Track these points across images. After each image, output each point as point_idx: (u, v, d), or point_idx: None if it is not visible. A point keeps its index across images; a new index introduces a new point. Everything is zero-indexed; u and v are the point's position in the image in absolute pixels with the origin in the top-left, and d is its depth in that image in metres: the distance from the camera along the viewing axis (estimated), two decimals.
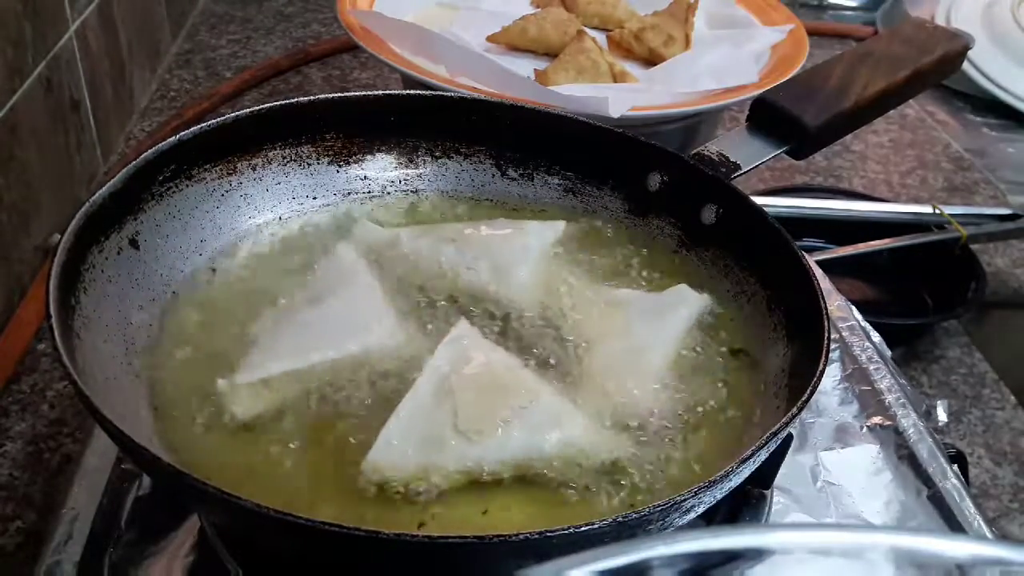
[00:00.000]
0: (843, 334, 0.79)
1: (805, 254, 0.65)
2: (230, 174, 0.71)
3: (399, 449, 0.55)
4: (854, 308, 0.83)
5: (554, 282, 0.69)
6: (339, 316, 0.64)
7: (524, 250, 0.71)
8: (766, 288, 0.67)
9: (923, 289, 1.07)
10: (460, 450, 0.55)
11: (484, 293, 0.67)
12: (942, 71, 0.85)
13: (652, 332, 0.65)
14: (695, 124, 1.03)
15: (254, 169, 0.72)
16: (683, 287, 0.68)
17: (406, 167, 0.78)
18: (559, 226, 0.75)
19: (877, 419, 0.71)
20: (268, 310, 0.65)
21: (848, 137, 1.27)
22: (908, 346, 0.99)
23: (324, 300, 0.65)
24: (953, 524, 0.64)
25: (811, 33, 1.14)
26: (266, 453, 0.56)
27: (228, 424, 0.57)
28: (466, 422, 0.56)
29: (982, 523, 0.64)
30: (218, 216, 0.70)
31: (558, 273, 0.70)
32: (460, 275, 0.68)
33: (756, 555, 0.39)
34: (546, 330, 0.65)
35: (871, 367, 0.76)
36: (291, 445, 0.56)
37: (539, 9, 1.15)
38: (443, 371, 0.59)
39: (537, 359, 0.63)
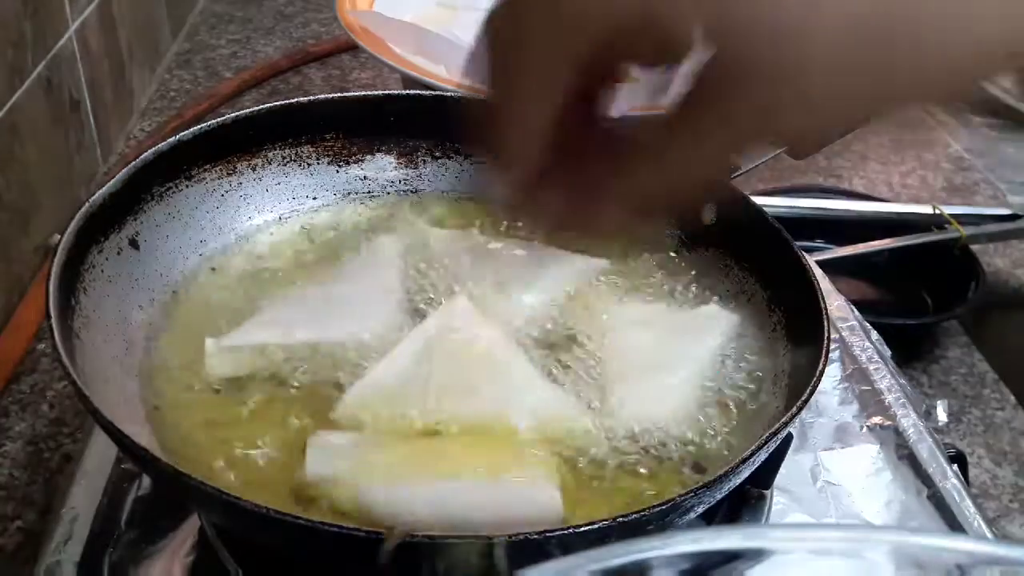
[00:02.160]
0: (843, 334, 0.79)
1: (805, 254, 0.65)
2: (230, 174, 0.71)
3: (371, 401, 0.57)
4: (854, 308, 0.83)
5: (565, 306, 0.68)
6: (342, 301, 0.65)
7: (539, 278, 0.69)
8: (766, 288, 0.67)
9: (923, 289, 1.07)
10: (426, 409, 0.57)
11: (483, 312, 0.66)
12: None
13: (679, 350, 0.64)
14: None
15: (254, 169, 0.72)
16: (714, 307, 0.67)
17: (406, 167, 0.78)
18: (597, 263, 0.71)
19: (877, 419, 0.71)
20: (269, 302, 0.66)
21: (848, 137, 1.27)
22: (908, 346, 0.98)
23: (336, 284, 0.67)
24: (953, 524, 0.64)
25: None
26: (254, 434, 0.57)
27: (226, 416, 0.58)
28: (438, 385, 0.58)
29: (982, 523, 0.64)
30: (218, 216, 0.70)
31: (572, 302, 0.68)
32: (467, 286, 0.68)
33: (756, 555, 0.39)
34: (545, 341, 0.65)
35: (871, 367, 0.76)
36: (262, 412, 0.58)
37: None
38: (429, 335, 0.61)
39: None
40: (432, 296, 0.67)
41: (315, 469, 0.54)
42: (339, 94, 0.75)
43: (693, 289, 0.70)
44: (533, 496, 0.53)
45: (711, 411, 0.61)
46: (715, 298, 0.69)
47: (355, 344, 0.62)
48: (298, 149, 0.74)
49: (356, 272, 0.69)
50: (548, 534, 0.45)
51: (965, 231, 1.07)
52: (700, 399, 0.62)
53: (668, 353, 0.64)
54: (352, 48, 1.45)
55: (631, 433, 0.58)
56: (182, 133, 0.67)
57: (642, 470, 0.57)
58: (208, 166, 0.70)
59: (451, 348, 0.61)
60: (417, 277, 0.69)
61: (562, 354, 0.64)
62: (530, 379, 0.61)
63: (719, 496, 0.51)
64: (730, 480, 0.50)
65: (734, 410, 0.61)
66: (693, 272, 0.72)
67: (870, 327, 0.81)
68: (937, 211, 1.09)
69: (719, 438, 0.59)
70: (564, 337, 0.65)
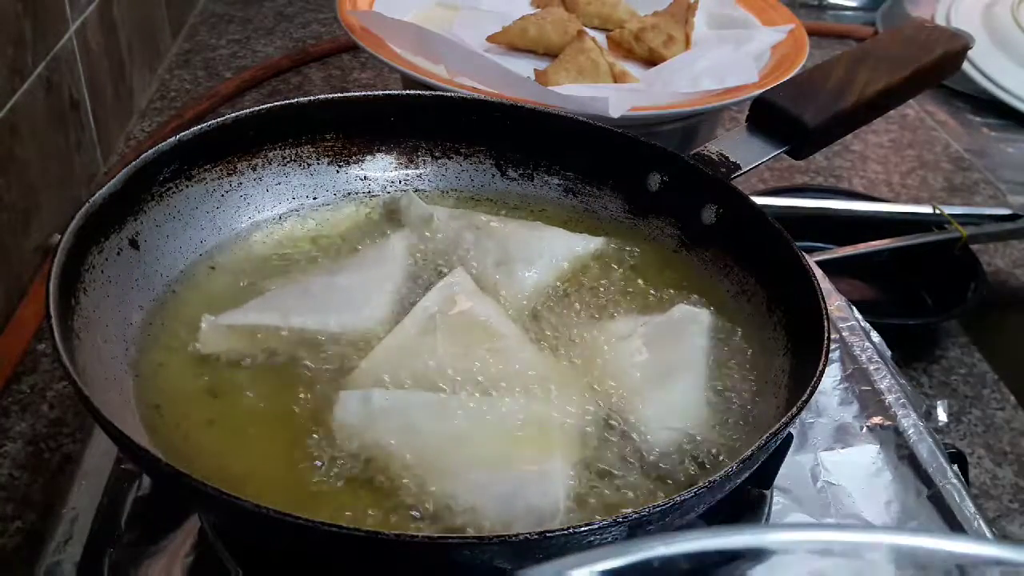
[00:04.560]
0: (843, 334, 0.79)
1: (805, 254, 0.65)
2: (230, 174, 0.71)
3: (382, 371, 0.59)
4: (854, 308, 0.83)
5: (557, 293, 0.69)
6: (343, 291, 0.66)
7: (539, 255, 0.71)
8: (766, 288, 0.67)
9: (923, 289, 1.07)
10: (436, 379, 0.59)
11: (483, 287, 0.68)
12: (942, 71, 0.85)
13: (676, 358, 0.64)
14: (695, 124, 1.03)
15: (254, 169, 0.72)
16: (684, 307, 0.68)
17: (406, 167, 0.78)
18: (594, 241, 0.74)
19: (877, 419, 0.71)
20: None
21: (848, 137, 1.28)
22: (908, 346, 0.98)
23: (339, 275, 0.68)
24: (953, 524, 0.64)
25: (811, 33, 1.14)
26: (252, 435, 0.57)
27: (226, 414, 0.58)
28: (444, 355, 0.60)
29: (982, 523, 0.64)
30: (218, 216, 0.70)
31: (566, 287, 0.70)
32: (467, 264, 0.69)
33: (756, 555, 0.39)
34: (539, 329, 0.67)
35: (871, 367, 0.76)
36: (262, 410, 0.58)
37: (539, 9, 1.15)
38: (431, 311, 0.63)
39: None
40: (436, 273, 0.69)
41: (344, 418, 0.56)
42: (339, 94, 0.75)
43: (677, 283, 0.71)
44: (539, 488, 0.54)
45: (716, 412, 0.61)
46: (693, 296, 0.69)
47: (352, 332, 0.63)
48: (298, 149, 0.74)
49: (360, 264, 0.70)
50: (548, 534, 0.45)
51: (965, 231, 1.07)
52: (708, 401, 0.62)
53: (667, 364, 0.64)
54: (352, 48, 1.45)
55: (662, 448, 0.58)
56: (182, 133, 0.67)
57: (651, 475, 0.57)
58: (208, 166, 0.70)
59: (453, 321, 0.62)
60: (421, 255, 0.70)
61: (555, 329, 0.65)
62: (527, 352, 0.62)
63: (719, 496, 0.51)
64: (730, 480, 0.50)
65: (736, 410, 0.62)
66: (692, 271, 0.72)
67: (870, 327, 0.81)
68: (937, 211, 1.09)
69: (721, 439, 0.59)
70: (558, 315, 0.67)
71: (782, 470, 0.62)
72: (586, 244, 0.73)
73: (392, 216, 0.75)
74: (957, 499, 0.66)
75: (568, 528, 0.45)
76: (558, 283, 0.70)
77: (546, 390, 0.60)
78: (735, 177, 0.72)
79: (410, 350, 0.61)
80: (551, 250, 0.71)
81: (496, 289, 0.68)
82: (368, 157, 0.77)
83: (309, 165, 0.75)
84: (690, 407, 0.61)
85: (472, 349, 0.61)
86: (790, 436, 0.63)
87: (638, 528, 0.47)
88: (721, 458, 0.58)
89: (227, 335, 0.62)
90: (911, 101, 1.41)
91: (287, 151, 0.74)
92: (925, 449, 0.69)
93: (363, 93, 0.77)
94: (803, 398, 0.53)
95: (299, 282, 0.67)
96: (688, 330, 0.66)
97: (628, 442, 0.58)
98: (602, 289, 0.70)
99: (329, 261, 0.70)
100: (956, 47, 0.84)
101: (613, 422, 0.59)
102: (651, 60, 1.09)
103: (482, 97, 0.86)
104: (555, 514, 0.52)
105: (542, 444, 0.56)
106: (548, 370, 0.62)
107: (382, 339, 0.62)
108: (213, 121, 0.69)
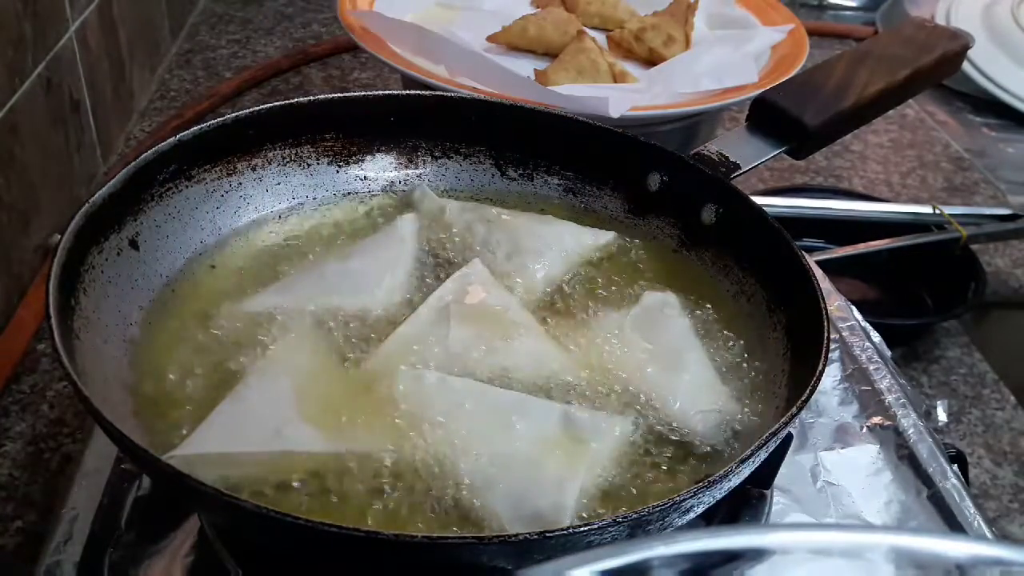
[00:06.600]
0: (843, 334, 0.79)
1: (805, 254, 0.65)
2: (230, 174, 0.71)
3: (398, 357, 0.60)
4: (854, 308, 0.83)
5: (565, 286, 0.70)
6: (353, 274, 0.67)
7: (549, 248, 0.71)
8: (766, 288, 0.67)
9: (923, 289, 1.07)
10: (446, 367, 0.60)
11: (496, 276, 0.69)
12: (942, 71, 0.85)
13: (674, 344, 0.65)
14: (695, 124, 1.03)
15: (254, 169, 0.72)
16: (649, 295, 0.68)
17: (406, 167, 0.78)
18: (604, 235, 0.74)
19: (877, 419, 0.71)
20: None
21: (848, 137, 1.28)
22: (908, 346, 0.99)
23: (352, 257, 0.69)
24: (953, 524, 0.64)
25: (811, 33, 1.14)
26: None
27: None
28: (456, 344, 0.61)
29: (982, 523, 0.64)
30: (218, 217, 0.70)
31: (577, 279, 0.70)
32: (480, 254, 0.70)
33: (756, 555, 0.39)
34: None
35: (871, 367, 0.76)
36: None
37: (539, 9, 1.14)
38: (446, 300, 0.64)
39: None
40: (448, 262, 0.70)
41: (406, 385, 0.58)
42: (339, 94, 0.75)
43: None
44: (552, 499, 0.54)
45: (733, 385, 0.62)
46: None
47: (371, 315, 0.64)
48: (298, 149, 0.74)
49: (370, 248, 0.70)
50: (548, 534, 0.45)
51: (965, 231, 1.07)
52: (721, 376, 0.63)
53: (669, 350, 0.64)
54: (352, 48, 1.45)
55: (705, 432, 0.59)
56: (182, 133, 0.67)
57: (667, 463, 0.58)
58: (208, 166, 0.70)
59: (470, 311, 0.63)
60: (433, 245, 0.71)
61: (568, 320, 0.66)
62: (541, 343, 0.63)
63: (719, 496, 0.51)
64: (730, 480, 0.50)
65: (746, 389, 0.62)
66: (692, 271, 0.72)
67: (870, 327, 0.81)
68: (937, 211, 1.09)
69: (747, 408, 0.61)
70: (570, 305, 0.68)
71: (782, 470, 0.62)
72: (596, 238, 0.74)
73: (397, 213, 0.75)
74: (957, 499, 0.66)
75: (568, 528, 0.45)
76: (569, 276, 0.70)
77: (573, 390, 0.61)
78: (735, 177, 0.72)
79: (426, 339, 0.61)
80: (561, 243, 0.72)
81: (509, 281, 0.69)
82: (368, 157, 0.77)
83: (309, 165, 0.75)
84: (708, 386, 0.62)
85: (489, 340, 0.62)
86: (790, 436, 0.63)
87: (638, 528, 0.47)
88: (753, 425, 0.59)
89: (250, 320, 0.63)
90: (911, 101, 1.41)
91: (287, 151, 0.74)
92: (925, 449, 0.69)
93: (363, 93, 0.77)
94: (803, 398, 0.53)
95: (313, 268, 0.68)
96: (666, 314, 0.67)
97: (672, 434, 0.59)
98: (613, 282, 0.70)
99: (336, 251, 0.71)
100: (956, 47, 0.84)
101: (651, 419, 0.59)
102: (651, 60, 1.09)
103: (482, 97, 0.86)
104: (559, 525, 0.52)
105: (572, 455, 0.56)
106: (564, 362, 0.62)
107: (397, 324, 0.63)
108: (213, 121, 0.69)
